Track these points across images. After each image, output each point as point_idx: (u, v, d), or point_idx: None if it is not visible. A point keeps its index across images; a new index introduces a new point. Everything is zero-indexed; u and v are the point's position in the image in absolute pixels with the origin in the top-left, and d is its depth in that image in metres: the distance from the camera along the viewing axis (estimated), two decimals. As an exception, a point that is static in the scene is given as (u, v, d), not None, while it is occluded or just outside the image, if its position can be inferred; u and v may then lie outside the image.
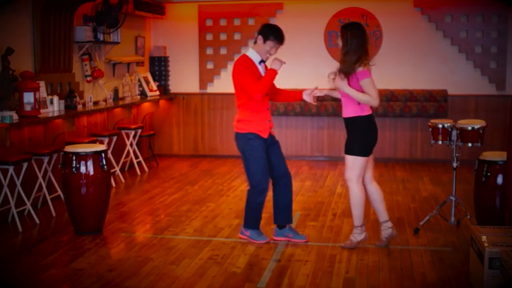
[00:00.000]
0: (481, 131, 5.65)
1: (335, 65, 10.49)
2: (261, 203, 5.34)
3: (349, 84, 5.00)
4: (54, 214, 6.34)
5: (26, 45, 6.79)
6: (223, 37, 9.89)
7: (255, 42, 5.28)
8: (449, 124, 5.71)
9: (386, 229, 5.26)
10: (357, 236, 5.22)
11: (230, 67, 9.86)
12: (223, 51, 9.94)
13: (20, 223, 5.84)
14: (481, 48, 9.23)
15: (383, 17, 9.42)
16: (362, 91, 4.98)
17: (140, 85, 9.44)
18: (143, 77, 9.53)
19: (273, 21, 9.69)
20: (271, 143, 5.35)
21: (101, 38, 8.10)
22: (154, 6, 9.45)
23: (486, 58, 9.22)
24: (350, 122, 5.11)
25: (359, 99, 5.01)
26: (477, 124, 5.70)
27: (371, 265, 4.82)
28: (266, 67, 5.37)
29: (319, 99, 5.49)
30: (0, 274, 4.73)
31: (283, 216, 5.44)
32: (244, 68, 5.16)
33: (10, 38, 6.46)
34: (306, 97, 5.33)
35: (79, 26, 7.64)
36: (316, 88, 5.32)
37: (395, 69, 9.46)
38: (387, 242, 5.27)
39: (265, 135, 5.25)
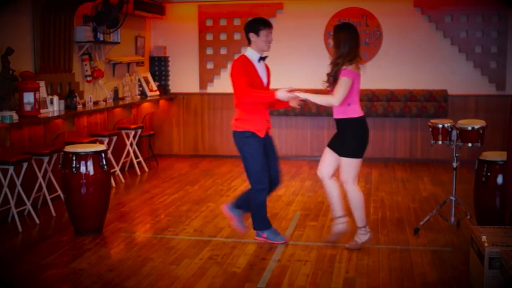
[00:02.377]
0: (481, 131, 5.65)
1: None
2: (262, 202, 5.27)
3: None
4: (54, 214, 6.34)
5: (26, 45, 6.79)
6: (223, 37, 9.89)
7: (250, 43, 5.29)
8: (449, 124, 5.71)
9: (338, 224, 5.27)
10: (362, 237, 5.20)
11: (230, 67, 9.87)
12: (223, 51, 9.94)
13: (20, 223, 5.84)
14: (481, 48, 9.23)
15: (383, 17, 9.42)
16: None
17: (140, 85, 9.44)
18: (143, 77, 9.53)
19: (273, 21, 9.64)
20: (268, 145, 5.32)
21: (101, 38, 8.10)
22: (154, 6, 9.45)
23: (486, 58, 9.22)
24: (341, 124, 5.08)
25: (317, 101, 5.04)
26: (477, 124, 5.69)
27: (371, 265, 4.82)
28: (267, 67, 5.37)
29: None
30: (0, 274, 4.73)
31: (246, 204, 5.37)
32: (239, 69, 5.16)
33: (10, 38, 6.46)
34: (293, 102, 5.21)
35: (79, 26, 7.64)
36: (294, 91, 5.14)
37: (395, 69, 9.46)
38: (336, 238, 5.31)
39: (262, 135, 5.23)
